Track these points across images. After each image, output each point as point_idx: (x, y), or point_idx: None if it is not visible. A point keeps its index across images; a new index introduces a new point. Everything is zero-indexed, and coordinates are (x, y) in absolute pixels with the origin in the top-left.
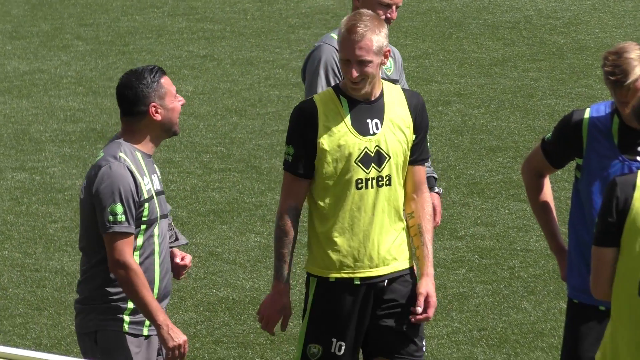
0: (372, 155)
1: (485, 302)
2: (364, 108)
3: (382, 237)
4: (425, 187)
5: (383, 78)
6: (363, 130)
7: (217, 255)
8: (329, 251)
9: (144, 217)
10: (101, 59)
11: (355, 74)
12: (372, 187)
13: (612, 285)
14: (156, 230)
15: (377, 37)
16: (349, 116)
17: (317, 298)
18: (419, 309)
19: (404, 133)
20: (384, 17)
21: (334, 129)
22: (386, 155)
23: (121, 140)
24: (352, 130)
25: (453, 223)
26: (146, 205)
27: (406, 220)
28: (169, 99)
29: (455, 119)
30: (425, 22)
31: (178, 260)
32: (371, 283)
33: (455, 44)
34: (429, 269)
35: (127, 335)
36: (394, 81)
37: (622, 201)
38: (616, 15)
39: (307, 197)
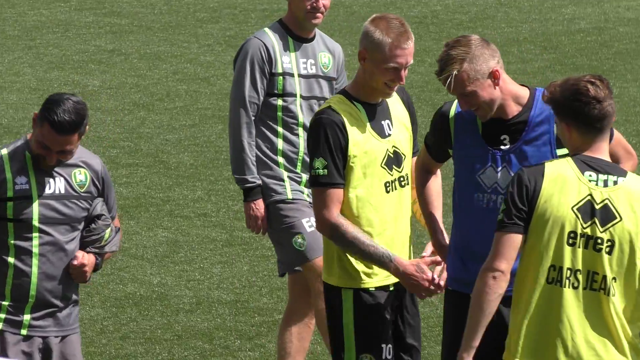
0: (392, 156)
1: None
2: (378, 110)
3: (406, 238)
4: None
5: (319, 76)
6: (382, 133)
7: (125, 251)
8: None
9: (9, 215)
10: (7, 53)
11: (404, 80)
12: (396, 188)
13: (509, 268)
14: (36, 233)
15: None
16: (367, 120)
17: (358, 309)
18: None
19: (407, 130)
20: (312, 5)
21: (360, 135)
22: (402, 155)
23: (23, 137)
24: (374, 134)
25: None
26: (9, 204)
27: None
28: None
29: None
30: (334, 17)
31: (75, 262)
32: (401, 286)
33: None
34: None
35: None
36: (332, 79)
37: (532, 189)
38: (522, 10)
39: None
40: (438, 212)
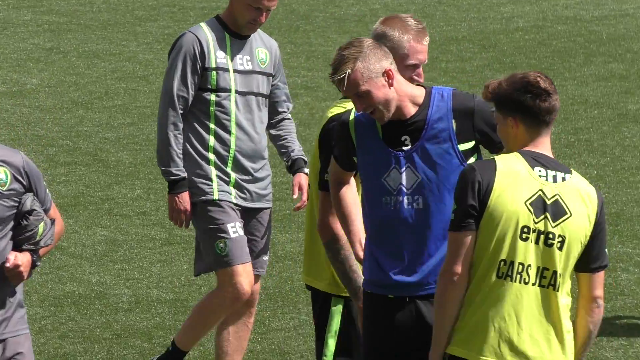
0: None
1: None
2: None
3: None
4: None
5: (257, 71)
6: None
7: (63, 250)
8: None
9: None
10: None
11: (422, 77)
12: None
13: (469, 269)
14: None
15: None
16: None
17: (344, 319)
18: None
19: None
20: (255, 19)
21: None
22: None
23: None
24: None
25: (301, 215)
26: None
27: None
28: None
29: (303, 111)
30: (273, 15)
31: (8, 264)
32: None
33: (302, 37)
34: None
35: None
36: (269, 75)
37: (485, 184)
38: (461, 9)
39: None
40: (356, 224)
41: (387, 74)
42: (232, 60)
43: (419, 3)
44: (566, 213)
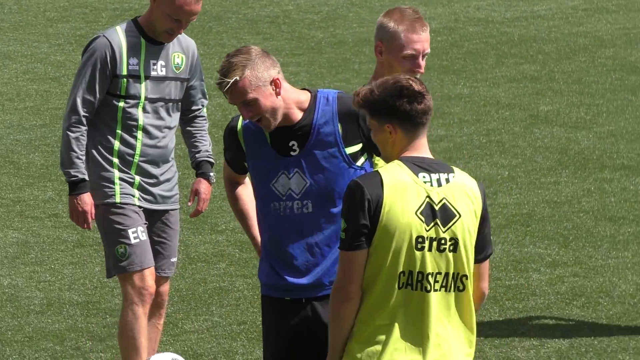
0: None
1: (245, 295)
2: None
3: None
4: None
5: (170, 77)
6: None
7: None
8: None
9: None
10: None
11: (423, 65)
12: None
13: (362, 285)
14: None
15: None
16: None
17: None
18: None
19: None
20: (173, 30)
21: None
22: None
23: None
24: None
25: (214, 217)
26: None
27: None
28: None
29: (216, 112)
30: None
31: None
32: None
33: (215, 38)
34: None
35: None
36: (183, 80)
37: (375, 201)
38: (373, 10)
39: None
40: (253, 221)
41: (274, 83)
42: (145, 66)
43: (331, 4)
44: (455, 215)
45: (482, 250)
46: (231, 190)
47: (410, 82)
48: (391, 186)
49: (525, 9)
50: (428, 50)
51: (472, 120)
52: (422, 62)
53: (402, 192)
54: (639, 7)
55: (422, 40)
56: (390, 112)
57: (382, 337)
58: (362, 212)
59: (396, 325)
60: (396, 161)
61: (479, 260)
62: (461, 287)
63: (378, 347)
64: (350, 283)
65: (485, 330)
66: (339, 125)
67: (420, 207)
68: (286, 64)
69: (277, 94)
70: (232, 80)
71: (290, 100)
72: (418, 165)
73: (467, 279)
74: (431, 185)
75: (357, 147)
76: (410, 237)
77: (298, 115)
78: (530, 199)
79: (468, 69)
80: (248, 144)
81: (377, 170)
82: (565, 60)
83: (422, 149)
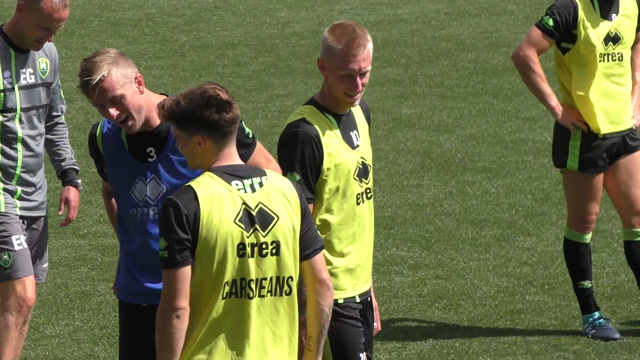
0: (362, 168)
1: (107, 300)
2: (345, 121)
3: (370, 249)
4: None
5: (39, 84)
6: (351, 144)
7: None
8: (341, 273)
9: None
10: None
11: (360, 86)
12: (364, 201)
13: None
14: None
15: (371, 45)
16: (339, 131)
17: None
18: (375, 324)
19: (369, 140)
20: (43, 39)
21: (332, 147)
22: (369, 166)
23: None
24: (346, 145)
25: (76, 221)
26: None
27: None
28: None
29: (79, 116)
30: None
31: None
32: (364, 298)
33: (77, 42)
34: (370, 281)
35: None
36: (49, 84)
37: (192, 216)
38: (237, 14)
39: None
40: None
41: (137, 80)
42: (17, 77)
43: (195, 7)
44: (273, 218)
45: (310, 245)
46: (107, 199)
47: (217, 91)
48: (206, 198)
49: (388, 12)
50: (367, 68)
51: None
52: (361, 80)
53: (217, 202)
54: (501, 10)
55: (358, 60)
56: (198, 122)
57: (209, 349)
58: (182, 228)
59: (222, 336)
60: (207, 173)
61: (310, 255)
62: (288, 291)
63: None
64: (179, 300)
65: None
66: None
67: (237, 215)
68: (149, 67)
69: (141, 92)
70: (99, 76)
71: (151, 104)
72: (229, 174)
73: (292, 280)
74: (245, 191)
75: None
76: (232, 246)
77: (157, 120)
78: (393, 202)
79: None
80: (107, 151)
81: (189, 185)
82: (428, 63)
83: (232, 157)
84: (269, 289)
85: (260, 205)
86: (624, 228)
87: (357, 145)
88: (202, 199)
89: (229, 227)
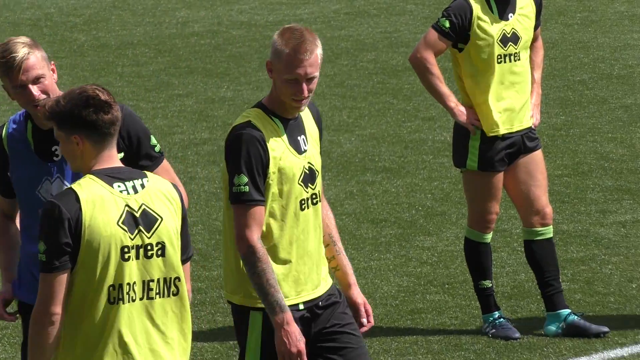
0: (308, 173)
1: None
2: (293, 126)
3: (320, 257)
4: (323, 195)
5: None
6: (298, 149)
7: None
8: (278, 279)
9: None
10: None
11: (306, 91)
12: (309, 206)
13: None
14: None
15: (320, 51)
16: (285, 135)
17: (266, 331)
18: (365, 320)
19: (319, 146)
20: None
21: (278, 151)
22: (316, 171)
23: None
24: (292, 149)
25: None
26: None
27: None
28: None
29: None
30: None
31: None
32: (312, 305)
33: None
34: (353, 277)
35: None
36: None
37: (74, 219)
38: (136, 13)
39: None
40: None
41: (52, 68)
42: None
43: (94, 7)
44: (157, 219)
45: (183, 251)
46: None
47: (97, 91)
48: (88, 201)
49: (287, 12)
50: (314, 74)
51: (230, 125)
52: (308, 86)
53: (100, 205)
54: (400, 11)
55: (304, 65)
56: (77, 122)
57: (98, 355)
58: (63, 231)
59: (110, 340)
60: (88, 175)
61: (182, 261)
62: (176, 291)
63: None
64: (55, 306)
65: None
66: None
67: (120, 217)
68: None
69: (55, 80)
70: (25, 54)
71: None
72: (111, 176)
73: (179, 281)
74: (128, 193)
75: (120, 155)
76: (115, 249)
77: None
78: None
79: (232, 72)
80: (12, 151)
81: (70, 187)
82: (328, 63)
83: (112, 160)
84: (157, 291)
85: (143, 206)
86: (524, 227)
87: (305, 151)
88: (84, 201)
89: (112, 229)
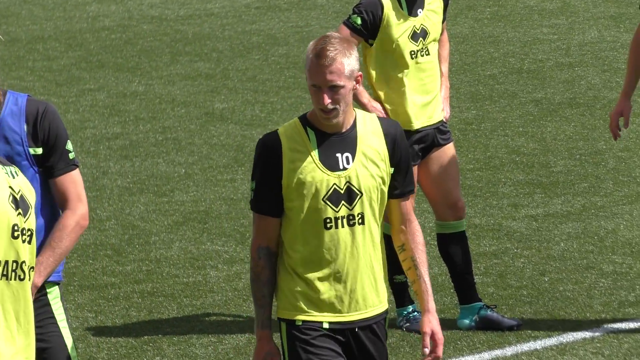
0: (342, 192)
1: None
2: (334, 141)
3: (362, 281)
4: (413, 216)
5: None
6: (332, 165)
7: None
8: (297, 294)
9: None
10: None
11: (327, 100)
12: (341, 226)
13: None
14: None
15: (348, 60)
16: (316, 150)
17: (291, 342)
18: (427, 350)
19: (378, 167)
20: None
21: (300, 164)
22: (357, 192)
23: None
24: (320, 165)
25: None
26: None
27: (396, 254)
28: None
29: None
30: None
31: None
32: (344, 329)
33: None
34: (430, 304)
35: None
36: None
37: None
38: (46, 8)
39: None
40: None
41: None
42: None
43: (4, 2)
44: (29, 207)
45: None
46: None
47: None
48: None
49: (198, 7)
50: (335, 82)
51: (148, 118)
52: (330, 95)
53: None
54: (311, 5)
55: (323, 72)
56: None
57: None
58: None
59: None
60: None
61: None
62: (22, 276)
63: None
64: None
65: (164, 327)
66: (25, 126)
67: (8, 196)
68: None
69: None
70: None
71: None
72: None
73: (26, 266)
74: (9, 176)
75: (39, 150)
76: (7, 226)
77: None
78: (207, 197)
79: (143, 67)
80: None
81: None
82: (240, 58)
83: None
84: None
85: (20, 192)
86: (437, 221)
87: (343, 168)
88: None
89: (3, 206)
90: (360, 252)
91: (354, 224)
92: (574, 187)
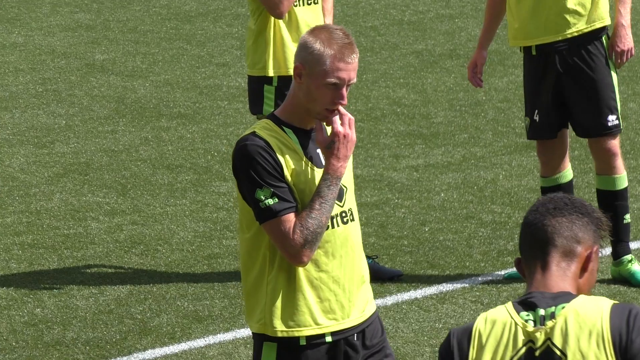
0: None
1: None
2: (311, 136)
3: (352, 284)
4: None
5: None
6: (317, 162)
7: None
8: (297, 305)
9: None
10: None
11: (345, 99)
12: (338, 225)
13: None
14: None
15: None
16: (299, 147)
17: None
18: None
19: (351, 161)
20: None
21: (290, 163)
22: (344, 186)
23: None
24: (308, 162)
25: None
26: None
27: None
28: None
29: None
30: None
31: None
32: (342, 337)
33: None
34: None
35: None
36: None
37: None
38: None
39: (255, 249)
40: None
41: None
42: None
43: None
44: None
45: None
46: None
47: None
48: None
49: None
50: (354, 80)
51: (28, 69)
52: (345, 92)
53: None
54: None
55: (349, 68)
56: None
57: None
58: None
59: None
60: None
61: None
62: None
63: None
64: None
65: (44, 279)
66: None
67: None
68: None
69: None
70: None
71: None
72: None
73: None
74: None
75: None
76: None
77: None
78: (88, 148)
79: (22, 18)
80: None
81: None
82: (121, 9)
83: None
84: None
85: None
86: None
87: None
88: None
89: None
90: (350, 251)
91: (347, 222)
92: (454, 138)
